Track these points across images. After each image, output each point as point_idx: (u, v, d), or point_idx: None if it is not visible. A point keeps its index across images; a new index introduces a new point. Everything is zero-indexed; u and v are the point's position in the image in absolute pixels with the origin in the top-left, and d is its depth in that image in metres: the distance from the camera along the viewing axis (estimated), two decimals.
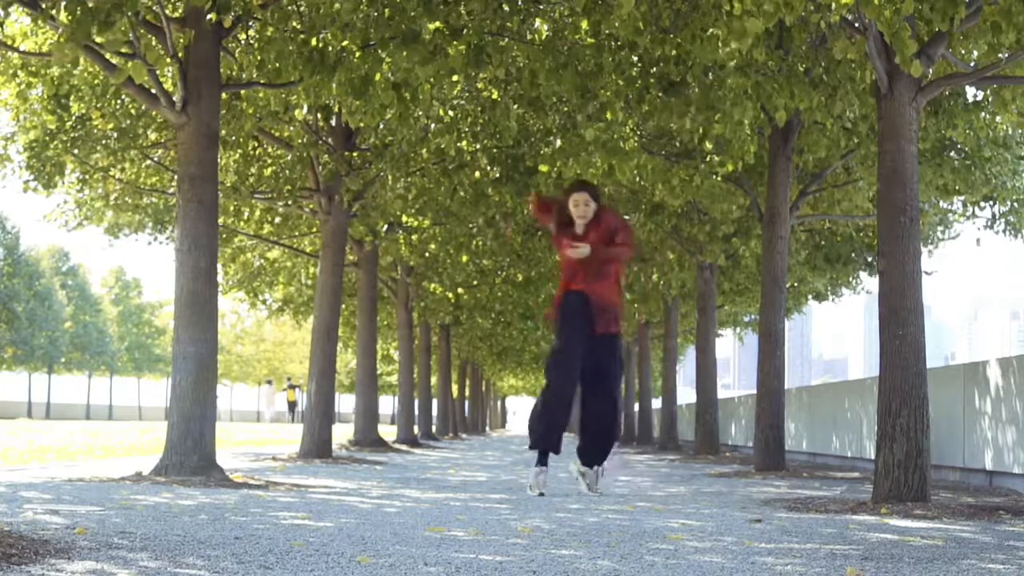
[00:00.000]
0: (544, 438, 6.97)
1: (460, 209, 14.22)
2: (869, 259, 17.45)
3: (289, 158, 12.60)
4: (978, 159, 12.32)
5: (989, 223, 13.78)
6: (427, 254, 18.48)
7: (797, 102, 8.64)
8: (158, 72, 8.63)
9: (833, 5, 6.47)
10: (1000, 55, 7.38)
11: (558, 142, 10.55)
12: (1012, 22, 6.12)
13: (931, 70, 6.56)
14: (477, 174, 13.06)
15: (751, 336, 28.26)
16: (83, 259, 73.89)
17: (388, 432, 24.07)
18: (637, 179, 12.59)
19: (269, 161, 13.20)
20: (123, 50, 7.32)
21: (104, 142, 12.28)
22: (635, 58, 8.53)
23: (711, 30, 7.31)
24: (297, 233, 16.57)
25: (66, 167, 12.41)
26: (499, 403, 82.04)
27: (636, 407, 29.20)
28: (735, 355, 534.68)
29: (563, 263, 7.15)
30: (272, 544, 3.91)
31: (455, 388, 40.70)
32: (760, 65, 8.60)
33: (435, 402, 34.47)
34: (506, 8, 8.54)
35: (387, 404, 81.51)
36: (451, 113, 11.78)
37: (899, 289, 6.39)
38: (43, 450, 13.10)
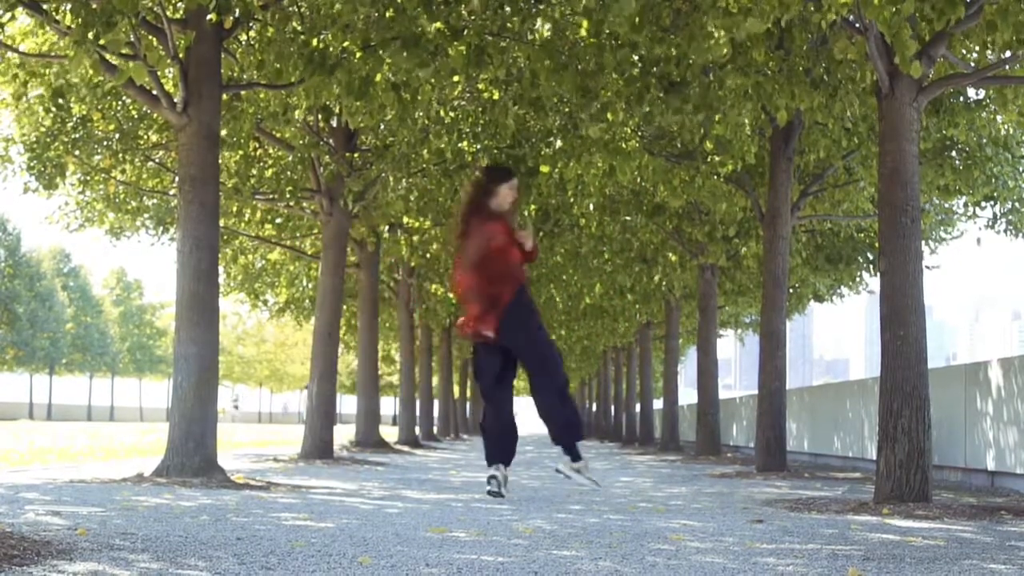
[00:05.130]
0: None
1: None
2: (871, 259, 17.44)
3: (290, 159, 12.60)
4: (979, 159, 12.32)
5: (990, 223, 13.77)
6: (428, 255, 18.48)
7: (798, 102, 8.63)
8: (159, 73, 8.62)
9: (828, 4, 6.47)
10: (996, 54, 7.37)
11: (559, 143, 10.55)
12: (1008, 22, 6.11)
13: (932, 70, 6.56)
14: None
15: (752, 337, 28.22)
16: (84, 260, 74.07)
17: (389, 433, 24.07)
18: (638, 180, 12.58)
19: (270, 162, 13.20)
20: (124, 51, 7.32)
21: (105, 143, 12.28)
22: (636, 58, 8.52)
23: (708, 27, 7.30)
24: (298, 234, 16.57)
25: (67, 168, 12.42)
26: None
27: (638, 408, 29.20)
28: (736, 356, 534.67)
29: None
30: (274, 545, 3.91)
31: (456, 389, 40.70)
32: (760, 65, 8.59)
33: (436, 403, 34.46)
34: (507, 8, 8.54)
35: (388, 405, 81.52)
36: (452, 114, 11.78)
37: (900, 289, 6.39)
38: (44, 451, 13.10)
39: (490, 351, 6.63)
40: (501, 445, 6.70)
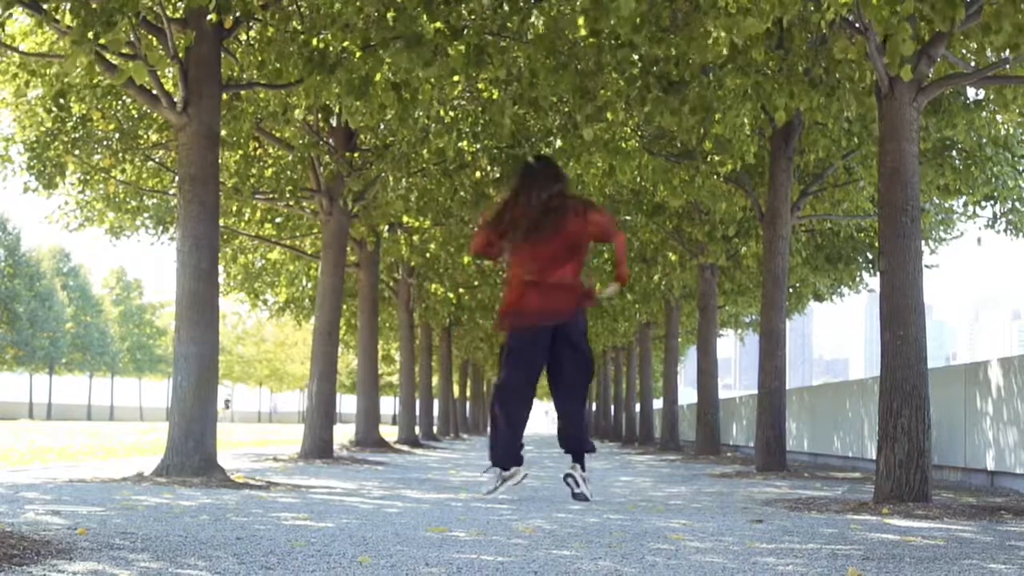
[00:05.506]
0: None
1: (461, 209, 14.22)
2: (870, 258, 17.45)
3: (290, 159, 12.60)
4: (979, 158, 12.32)
5: (990, 222, 13.78)
6: (428, 254, 18.49)
7: (797, 102, 8.63)
8: (159, 73, 8.62)
9: (827, 3, 6.46)
10: (996, 54, 7.37)
11: (558, 142, 10.55)
12: (1004, 23, 6.11)
13: (932, 70, 6.56)
14: (478, 174, 13.06)
15: (752, 336, 28.24)
16: (84, 260, 74.06)
17: (389, 432, 24.07)
18: (638, 179, 12.58)
19: (270, 161, 13.21)
20: (124, 51, 7.32)
21: (105, 143, 12.28)
22: (635, 57, 8.53)
23: (708, 27, 7.30)
24: (298, 234, 16.57)
25: (67, 168, 12.42)
26: None
27: (637, 408, 29.20)
28: (736, 355, 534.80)
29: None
30: (273, 544, 3.91)
31: (456, 388, 40.73)
32: (760, 65, 8.60)
33: (436, 402, 34.47)
34: (506, 8, 8.54)
35: (388, 404, 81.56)
36: (451, 113, 11.79)
37: (900, 289, 6.39)
38: (44, 451, 13.10)
39: (538, 344, 6.48)
40: (517, 447, 6.58)
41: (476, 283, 22.23)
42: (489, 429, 6.62)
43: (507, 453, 6.58)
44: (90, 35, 6.48)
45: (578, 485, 6.59)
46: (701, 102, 8.53)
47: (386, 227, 16.02)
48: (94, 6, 6.57)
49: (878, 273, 6.56)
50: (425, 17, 7.65)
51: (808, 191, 12.20)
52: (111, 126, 12.02)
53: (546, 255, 6.47)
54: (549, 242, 6.46)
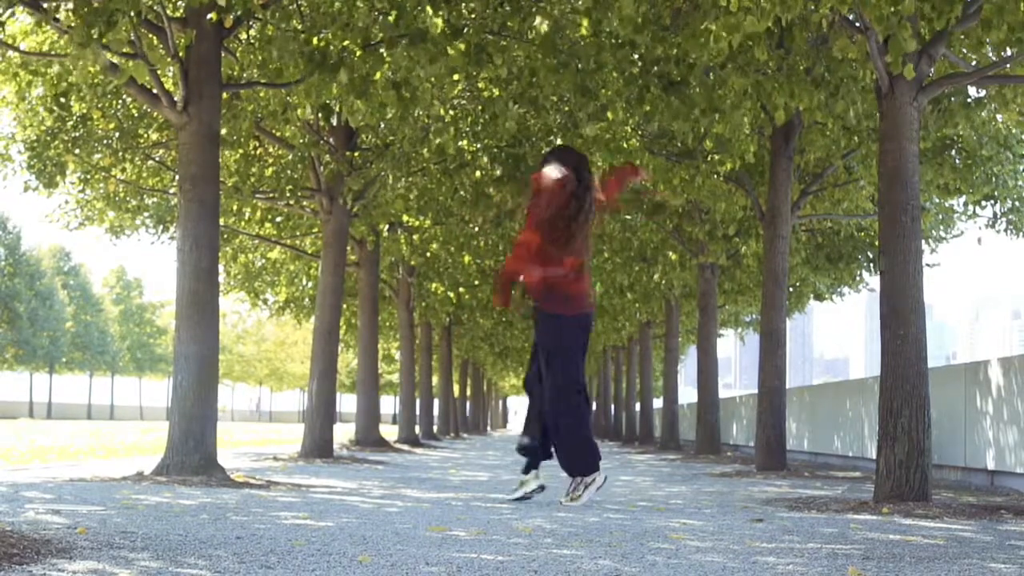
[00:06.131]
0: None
1: (461, 209, 14.22)
2: (871, 258, 17.45)
3: (290, 158, 12.60)
4: (979, 158, 12.33)
5: (990, 222, 13.78)
6: (428, 254, 18.50)
7: (797, 101, 8.63)
8: (159, 72, 8.63)
9: (824, 1, 6.46)
10: (996, 53, 7.37)
11: (559, 141, 10.55)
12: (1003, 19, 6.11)
13: (932, 69, 6.56)
14: (478, 173, 13.05)
15: (752, 336, 28.23)
16: (84, 259, 74.10)
17: (389, 432, 24.07)
18: None
19: (270, 161, 13.21)
20: (125, 50, 7.32)
21: (105, 142, 12.28)
22: (636, 56, 8.53)
23: (705, 24, 7.30)
24: (298, 233, 16.57)
25: (67, 167, 12.42)
26: (500, 403, 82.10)
27: (637, 407, 29.20)
28: (736, 355, 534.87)
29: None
30: (273, 544, 3.91)
31: (456, 388, 40.74)
32: (761, 64, 8.60)
33: (436, 402, 34.47)
34: (507, 7, 8.54)
35: (388, 404, 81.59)
36: (451, 112, 11.79)
37: (900, 288, 6.39)
38: (45, 450, 13.11)
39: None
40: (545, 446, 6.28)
41: (476, 282, 22.24)
42: (579, 438, 6.08)
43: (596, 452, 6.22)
44: (93, 34, 6.48)
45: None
46: (709, 103, 8.53)
47: (386, 226, 16.02)
48: (95, 5, 6.57)
49: (878, 272, 6.56)
50: (429, 10, 7.65)
51: (808, 190, 12.20)
52: (111, 125, 12.03)
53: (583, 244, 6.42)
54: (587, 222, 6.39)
